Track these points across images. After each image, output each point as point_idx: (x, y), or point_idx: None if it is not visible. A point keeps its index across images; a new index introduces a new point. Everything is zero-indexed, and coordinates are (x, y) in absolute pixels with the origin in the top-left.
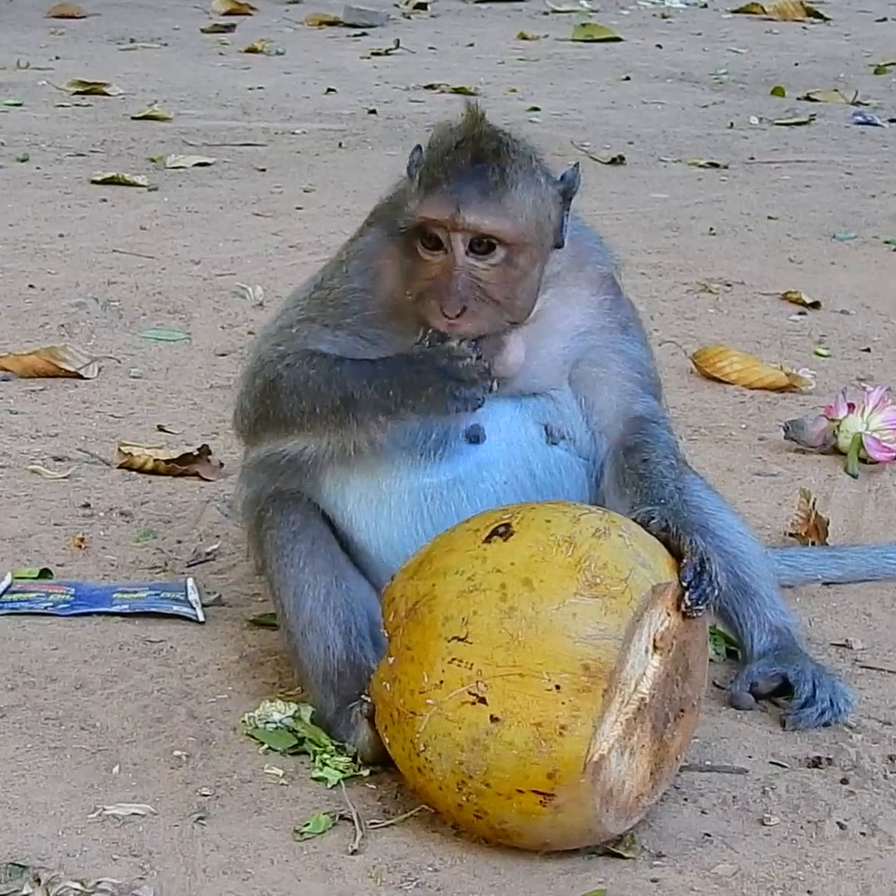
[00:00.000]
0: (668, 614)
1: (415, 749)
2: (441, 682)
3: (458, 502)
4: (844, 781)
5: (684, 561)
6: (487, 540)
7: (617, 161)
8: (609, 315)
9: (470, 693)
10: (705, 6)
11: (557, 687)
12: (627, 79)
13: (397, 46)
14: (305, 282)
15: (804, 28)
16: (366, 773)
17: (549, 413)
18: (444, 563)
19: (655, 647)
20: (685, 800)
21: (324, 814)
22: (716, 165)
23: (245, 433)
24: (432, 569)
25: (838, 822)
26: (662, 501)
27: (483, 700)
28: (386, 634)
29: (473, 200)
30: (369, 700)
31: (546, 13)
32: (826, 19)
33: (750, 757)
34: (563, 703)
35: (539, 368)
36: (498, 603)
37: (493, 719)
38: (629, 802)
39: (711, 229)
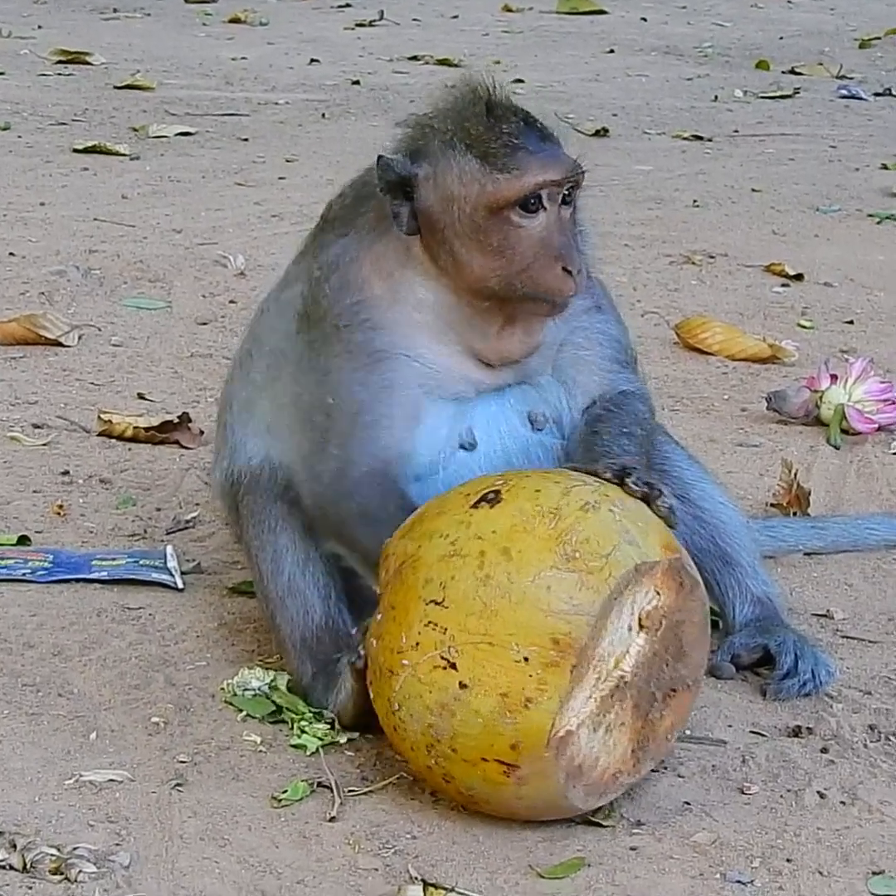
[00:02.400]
0: (658, 593)
1: (390, 708)
2: (417, 643)
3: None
4: (824, 751)
5: (599, 469)
6: (475, 505)
7: (601, 133)
8: (587, 295)
9: (442, 657)
10: None
11: (526, 659)
12: (612, 51)
13: (381, 17)
14: (263, 330)
15: (789, 2)
16: (343, 740)
17: (532, 400)
18: (432, 525)
19: (641, 626)
20: (664, 768)
21: (302, 781)
22: (700, 138)
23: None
24: (421, 530)
25: (818, 792)
26: (602, 452)
27: (453, 666)
28: (377, 591)
29: (562, 150)
30: (362, 653)
31: None
32: None
33: (730, 726)
34: (530, 676)
35: (534, 357)
36: (475, 570)
37: (462, 685)
38: (604, 779)
39: (695, 201)
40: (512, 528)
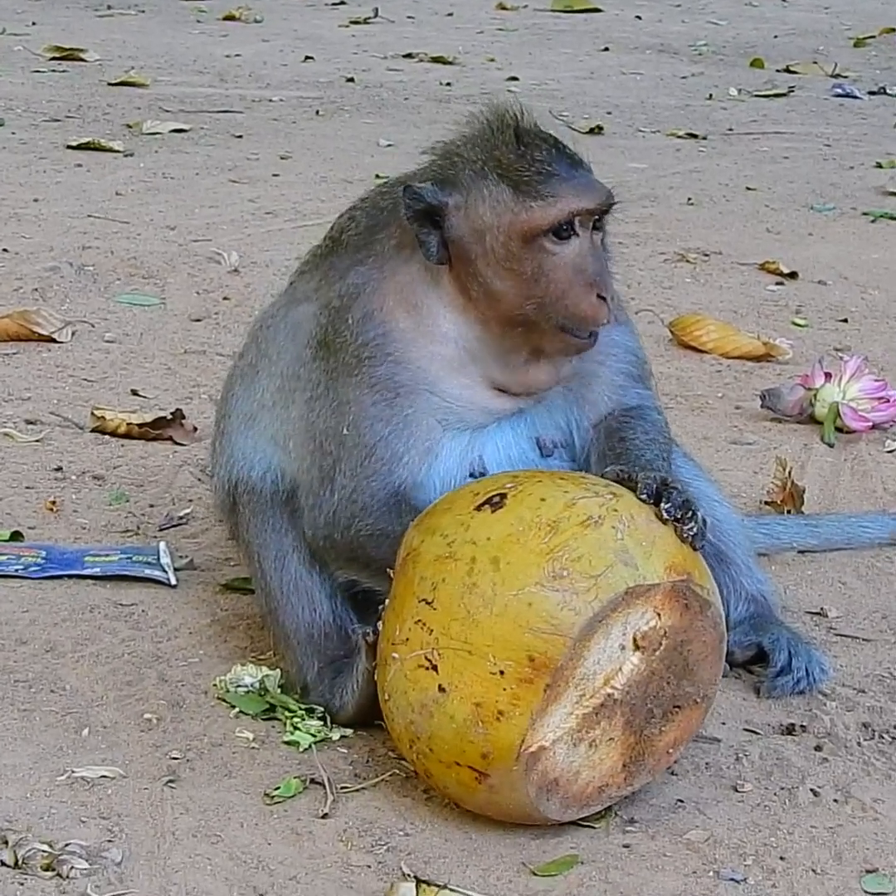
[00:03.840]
0: (658, 614)
1: (383, 696)
2: (407, 639)
3: None
4: (818, 748)
5: (639, 485)
6: (479, 507)
7: (595, 131)
8: None
9: (426, 658)
10: None
11: (501, 672)
12: (606, 49)
13: (376, 15)
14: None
15: (783, 0)
16: (336, 736)
17: (543, 425)
18: (437, 522)
19: (636, 646)
20: None
21: (294, 778)
22: (694, 136)
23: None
24: (427, 524)
25: (812, 789)
26: (635, 463)
27: (435, 668)
28: (391, 575)
29: (594, 177)
30: (378, 628)
31: None
32: None
33: (724, 724)
34: (504, 689)
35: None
36: (464, 576)
37: (441, 689)
38: (586, 792)
39: (689, 199)
40: (506, 536)
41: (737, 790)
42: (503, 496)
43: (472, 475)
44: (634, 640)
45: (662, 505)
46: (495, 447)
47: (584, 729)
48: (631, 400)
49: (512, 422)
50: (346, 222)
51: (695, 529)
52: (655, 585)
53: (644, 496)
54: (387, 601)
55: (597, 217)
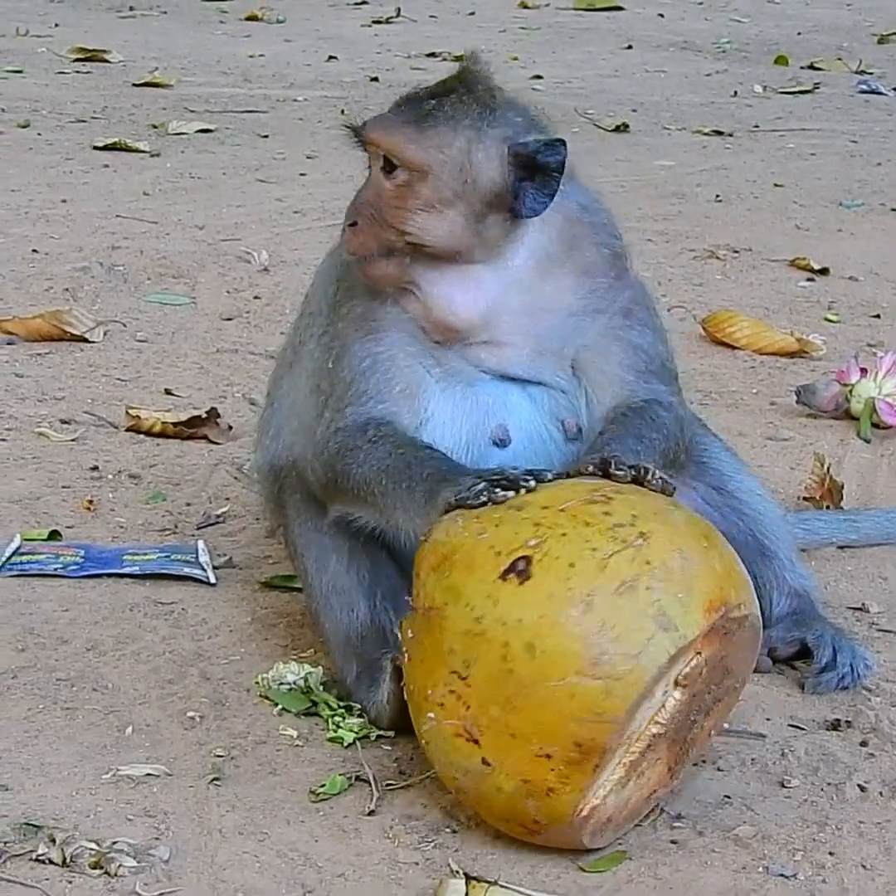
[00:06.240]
0: (699, 653)
1: (421, 740)
2: (442, 704)
3: None
4: (864, 744)
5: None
6: (504, 576)
7: (621, 128)
8: (607, 299)
9: (465, 729)
10: None
11: (548, 756)
12: (630, 47)
13: (398, 14)
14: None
15: None
16: (377, 735)
17: (564, 408)
18: (460, 581)
19: (677, 684)
20: (704, 762)
21: (339, 775)
22: (720, 133)
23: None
24: (450, 578)
25: (859, 785)
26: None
27: (476, 742)
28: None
29: (387, 120)
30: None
31: None
32: None
33: (768, 720)
34: (551, 770)
35: (535, 352)
36: (499, 661)
37: (485, 762)
38: (637, 808)
39: (717, 196)
40: (540, 619)
41: (784, 786)
42: (528, 561)
43: (495, 443)
44: (676, 681)
45: (611, 470)
46: (518, 419)
47: (631, 770)
48: (639, 395)
49: (531, 396)
50: None
51: (659, 477)
52: (696, 637)
53: (590, 470)
54: (410, 618)
55: (386, 160)
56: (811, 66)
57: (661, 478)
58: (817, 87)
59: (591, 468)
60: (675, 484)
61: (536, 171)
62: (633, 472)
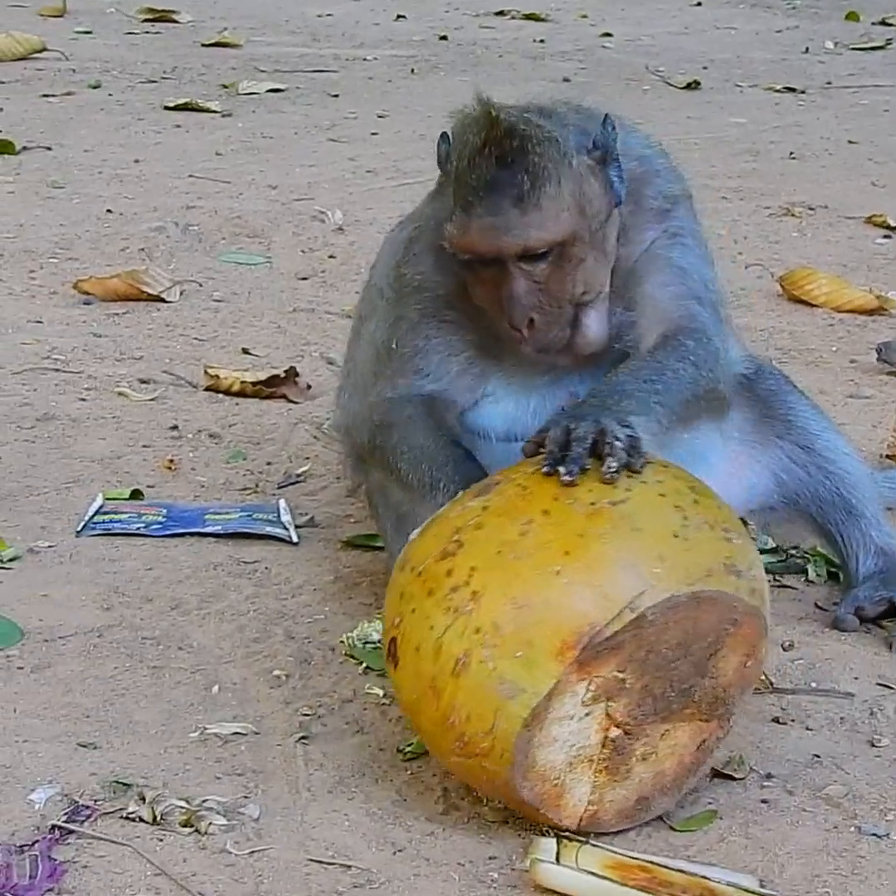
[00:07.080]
0: (585, 678)
1: None
2: None
3: None
4: None
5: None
6: (388, 658)
7: (692, 86)
8: (659, 226)
9: None
10: None
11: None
12: (699, 4)
13: None
14: (387, 257)
15: None
16: None
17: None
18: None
19: (596, 701)
20: (792, 721)
21: None
22: (792, 90)
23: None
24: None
25: None
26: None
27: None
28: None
29: (513, 223)
30: None
31: None
32: None
33: (856, 679)
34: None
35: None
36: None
37: None
38: (680, 771)
39: (791, 153)
40: (415, 702)
41: (873, 745)
42: (395, 645)
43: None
44: (582, 703)
45: (560, 468)
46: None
47: (617, 768)
48: (676, 316)
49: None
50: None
51: (614, 467)
52: (555, 683)
53: (546, 470)
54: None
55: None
56: (882, 22)
57: (621, 456)
58: (889, 44)
59: (549, 446)
60: (651, 453)
61: (606, 154)
62: (574, 477)
